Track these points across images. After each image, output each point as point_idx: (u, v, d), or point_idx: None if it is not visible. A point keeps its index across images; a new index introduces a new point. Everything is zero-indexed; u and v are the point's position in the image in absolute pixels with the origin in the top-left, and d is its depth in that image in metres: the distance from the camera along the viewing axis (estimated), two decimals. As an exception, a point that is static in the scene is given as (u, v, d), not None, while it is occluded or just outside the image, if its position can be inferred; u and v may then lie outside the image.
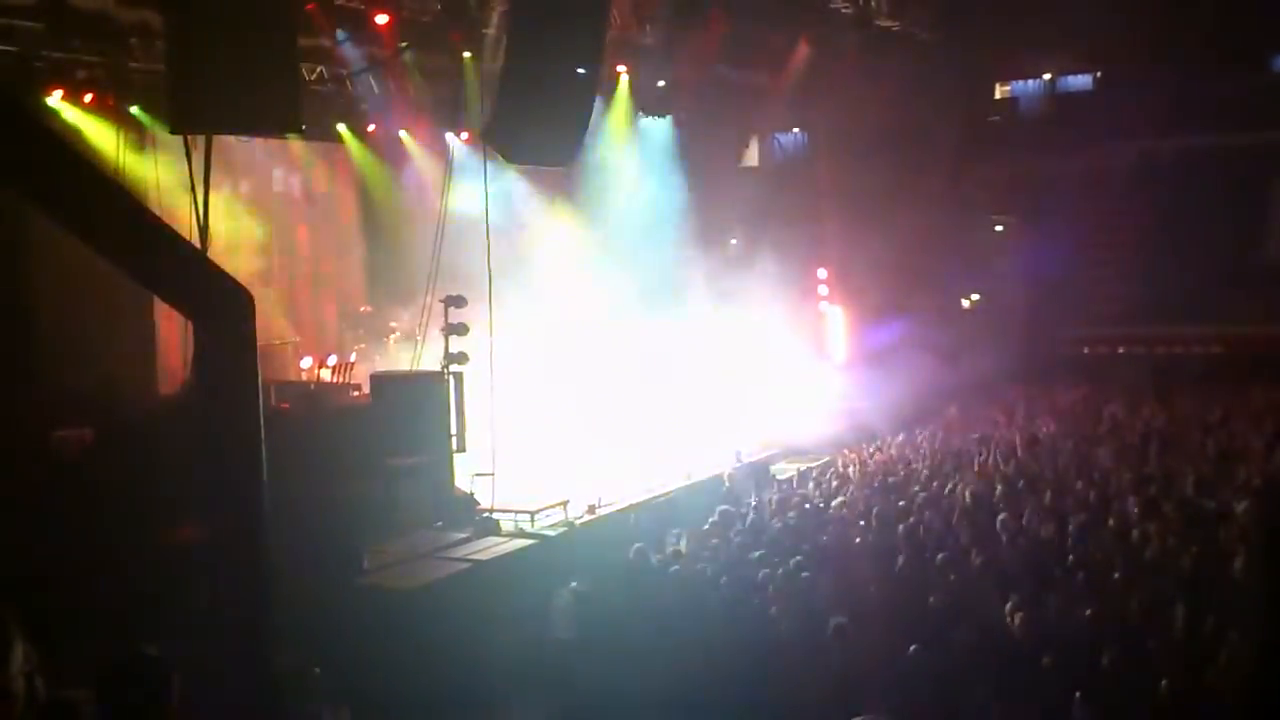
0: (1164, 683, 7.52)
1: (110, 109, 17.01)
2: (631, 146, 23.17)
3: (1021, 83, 29.29)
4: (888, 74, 23.24)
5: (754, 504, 14.04)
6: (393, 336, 19.78)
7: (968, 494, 13.35)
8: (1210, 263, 24.67)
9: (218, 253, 9.02)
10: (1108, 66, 27.70)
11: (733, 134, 27.38)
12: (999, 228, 27.96)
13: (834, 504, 13.62)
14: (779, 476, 16.94)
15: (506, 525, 13.59)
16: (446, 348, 14.69)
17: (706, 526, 13.13)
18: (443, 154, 20.36)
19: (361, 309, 21.15)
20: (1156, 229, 25.72)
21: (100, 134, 16.88)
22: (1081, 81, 28.93)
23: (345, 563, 11.73)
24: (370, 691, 9.70)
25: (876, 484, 14.87)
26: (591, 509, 14.38)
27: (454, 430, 14.49)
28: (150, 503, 11.31)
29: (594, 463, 15.83)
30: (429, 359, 15.55)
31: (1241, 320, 24.70)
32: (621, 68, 21.40)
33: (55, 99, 16.41)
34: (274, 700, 7.97)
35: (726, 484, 15.91)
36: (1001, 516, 12.00)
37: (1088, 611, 8.93)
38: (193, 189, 9.39)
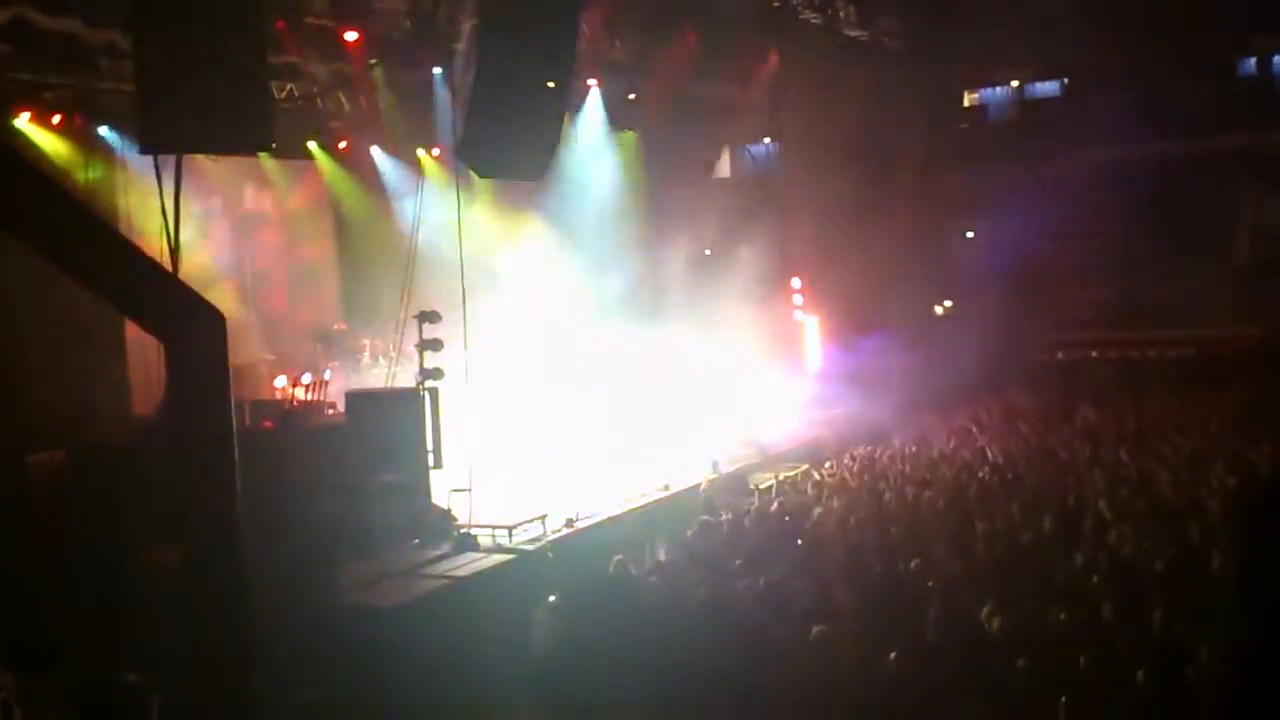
0: (1139, 673, 7.57)
1: (79, 130, 16.93)
2: (603, 159, 23.21)
3: (989, 90, 29.52)
4: (857, 84, 23.38)
5: (732, 514, 14.05)
6: (366, 353, 19.73)
7: (943, 500, 13.41)
8: (1181, 267, 24.86)
9: (189, 273, 8.96)
10: (1075, 74, 27.92)
11: (704, 145, 27.46)
12: (970, 234, 28.11)
13: (812, 513, 13.65)
14: (758, 486, 16.95)
15: (485, 541, 13.54)
16: (421, 363, 14.64)
17: (686, 537, 13.13)
18: (414, 170, 20.37)
19: (335, 326, 21.08)
20: (1126, 234, 25.94)
21: (69, 155, 16.80)
22: (1049, 89, 29.16)
23: (323, 582, 11.67)
24: (350, 710, 9.66)
25: (853, 492, 14.90)
26: (570, 522, 14.35)
27: (430, 446, 14.44)
28: (125, 525, 11.23)
29: (571, 476, 15.81)
30: (404, 375, 15.51)
31: (1212, 323, 24.91)
32: (592, 81, 21.45)
33: (23, 120, 16.33)
34: (253, 722, 7.92)
35: (703, 495, 15.91)
36: (978, 522, 12.06)
37: (1064, 615, 8.98)
38: (163, 209, 9.34)
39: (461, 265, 14.45)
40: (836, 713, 8.26)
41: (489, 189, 19.81)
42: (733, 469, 17.81)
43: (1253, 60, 26.78)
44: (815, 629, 8.94)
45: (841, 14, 22.53)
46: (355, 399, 14.89)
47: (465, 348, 14.41)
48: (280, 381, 17.23)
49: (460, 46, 17.72)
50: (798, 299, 26.71)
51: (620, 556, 11.61)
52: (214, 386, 7.91)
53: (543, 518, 14.04)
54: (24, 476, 12.85)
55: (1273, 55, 26.48)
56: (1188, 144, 25.52)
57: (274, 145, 13.01)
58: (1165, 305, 25.26)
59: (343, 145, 20.95)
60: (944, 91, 28.23)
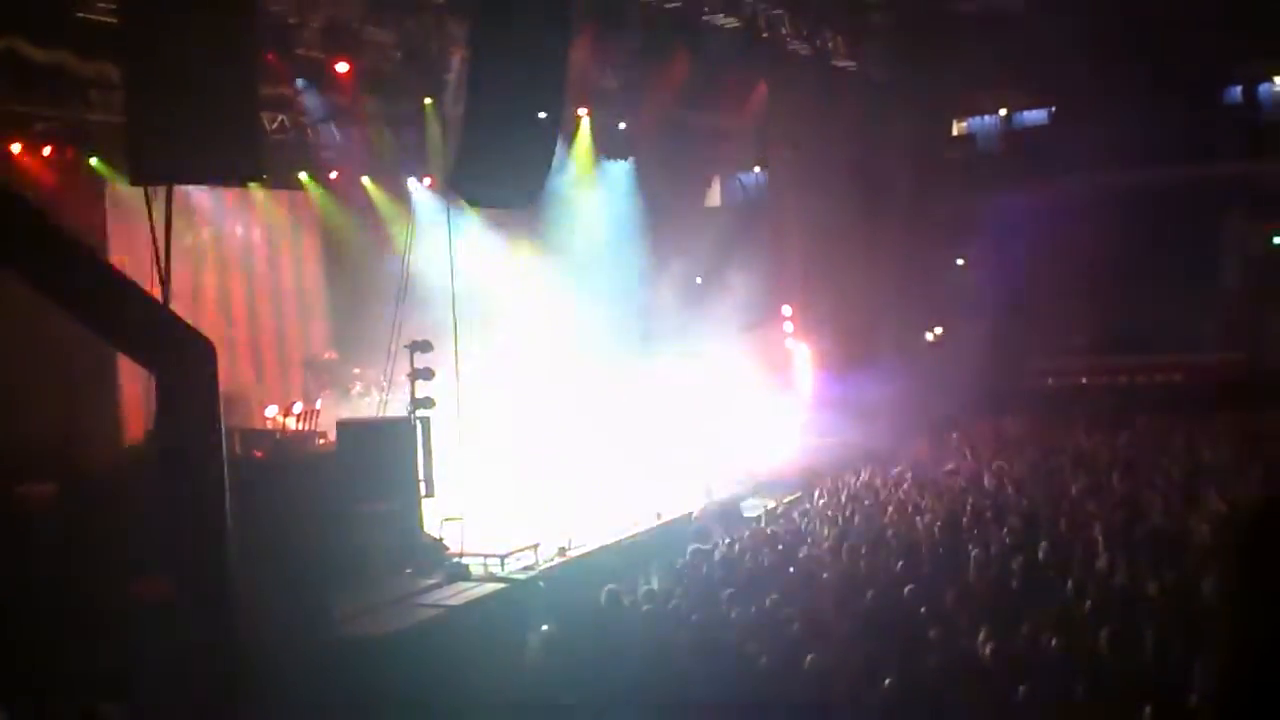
0: (1145, 708, 7.54)
1: (70, 161, 16.96)
2: (594, 189, 23.29)
3: (978, 119, 29.63)
4: (846, 113, 23.49)
5: (725, 542, 14.03)
6: (358, 383, 19.72)
7: (937, 526, 13.40)
8: (1169, 293, 24.98)
9: (180, 303, 8.97)
10: (1062, 102, 28.06)
11: (694, 174, 27.55)
12: (960, 262, 28.19)
13: (805, 540, 13.63)
14: (749, 514, 16.93)
15: (477, 570, 13.50)
16: (413, 393, 14.64)
17: (678, 566, 13.10)
18: (405, 200, 20.44)
19: (326, 356, 21.07)
20: (1114, 260, 26.00)
21: (59, 186, 16.81)
22: (1037, 116, 29.28)
23: (314, 612, 11.61)
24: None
25: (846, 519, 14.89)
26: (562, 551, 14.32)
27: (422, 475, 14.42)
28: (116, 556, 11.18)
29: (564, 504, 15.78)
30: (395, 405, 15.50)
31: (1201, 349, 25.02)
32: (582, 110, 21.55)
33: (14, 151, 16.36)
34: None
35: (696, 523, 15.89)
36: (971, 548, 12.05)
37: (1056, 641, 8.96)
38: (153, 240, 9.35)
39: (453, 294, 14.50)
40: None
41: (480, 218, 19.85)
42: (725, 497, 17.81)
43: (1239, 89, 26.93)
44: (809, 657, 8.90)
45: (830, 44, 22.63)
46: (347, 428, 14.86)
47: (457, 377, 14.41)
48: (271, 411, 17.22)
49: (451, 77, 17.80)
50: (789, 326, 26.76)
51: (613, 585, 11.57)
52: (204, 416, 7.92)
53: (535, 547, 14.01)
54: (14, 507, 12.79)
55: (1258, 84, 26.65)
56: (1175, 171, 25.61)
57: (265, 176, 13.07)
58: (1154, 332, 25.37)
59: (334, 175, 21.00)
60: (932, 120, 28.34)
